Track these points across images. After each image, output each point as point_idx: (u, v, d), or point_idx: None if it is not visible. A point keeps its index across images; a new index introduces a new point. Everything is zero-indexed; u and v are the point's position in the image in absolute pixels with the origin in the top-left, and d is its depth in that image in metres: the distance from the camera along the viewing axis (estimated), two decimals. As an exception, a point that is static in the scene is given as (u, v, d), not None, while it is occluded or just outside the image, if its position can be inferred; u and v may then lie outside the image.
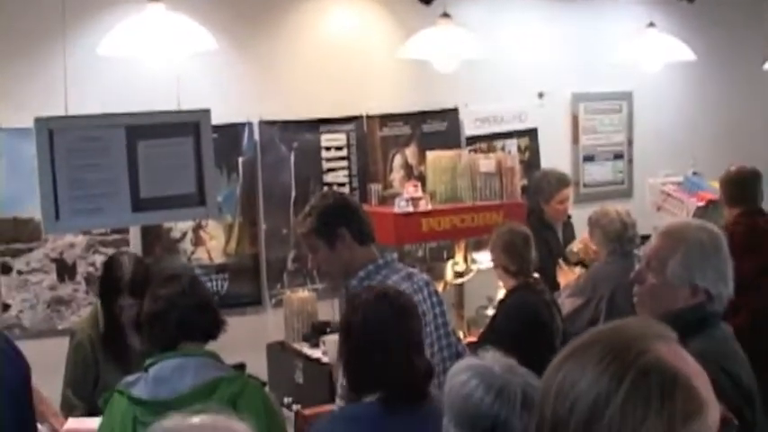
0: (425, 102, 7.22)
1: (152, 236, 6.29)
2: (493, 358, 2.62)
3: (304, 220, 4.01)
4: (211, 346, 3.57)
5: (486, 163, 6.12)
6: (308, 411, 4.64)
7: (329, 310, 6.06)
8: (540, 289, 5.38)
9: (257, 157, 6.62)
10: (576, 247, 6.48)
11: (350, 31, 7.02)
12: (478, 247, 6.05)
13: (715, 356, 3.00)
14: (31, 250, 6.00)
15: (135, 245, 6.22)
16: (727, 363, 3.07)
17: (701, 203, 7.32)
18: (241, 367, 3.57)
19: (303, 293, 6.01)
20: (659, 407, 1.39)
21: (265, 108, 6.61)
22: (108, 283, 4.69)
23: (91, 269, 6.03)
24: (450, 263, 6.28)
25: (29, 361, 3.64)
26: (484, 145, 7.34)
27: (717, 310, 3.17)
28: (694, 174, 7.69)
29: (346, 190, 6.81)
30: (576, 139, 8.05)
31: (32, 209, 5.34)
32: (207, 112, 4.79)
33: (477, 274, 6.16)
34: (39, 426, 3.96)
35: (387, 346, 3.00)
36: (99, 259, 5.87)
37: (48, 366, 4.26)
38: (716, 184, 6.62)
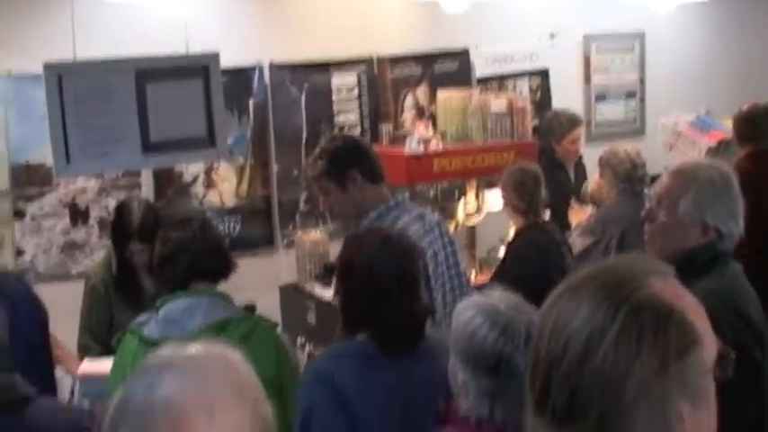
0: (436, 43, 7.17)
1: (164, 179, 6.30)
2: (499, 296, 2.64)
3: (314, 163, 4.03)
4: (224, 288, 3.60)
5: (498, 103, 6.09)
6: (320, 352, 4.68)
7: (341, 251, 6.07)
8: (549, 228, 5.39)
9: (268, 99, 6.61)
10: (590, 187, 6.48)
11: (360, -29, 6.97)
12: (490, 186, 6.04)
13: (725, 295, 3.02)
14: (43, 195, 6.02)
15: (147, 188, 6.24)
16: (738, 301, 3.08)
17: (713, 143, 7.29)
18: (251, 308, 3.58)
19: (315, 234, 6.02)
20: (652, 342, 1.39)
21: (275, 51, 6.58)
22: (118, 229, 4.72)
23: (104, 213, 6.05)
24: (461, 203, 6.29)
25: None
26: (495, 85, 7.30)
27: (727, 248, 3.18)
28: (707, 113, 7.65)
29: (357, 131, 6.80)
30: (587, 79, 7.99)
31: (44, 154, 5.35)
32: (216, 55, 4.79)
33: (489, 214, 6.17)
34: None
35: (387, 289, 3.01)
36: (111, 203, 5.89)
37: (62, 310, 4.30)
38: (729, 124, 6.57)
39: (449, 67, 7.21)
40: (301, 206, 6.71)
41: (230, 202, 6.55)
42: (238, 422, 1.50)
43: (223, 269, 3.57)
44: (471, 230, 6.34)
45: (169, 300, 3.46)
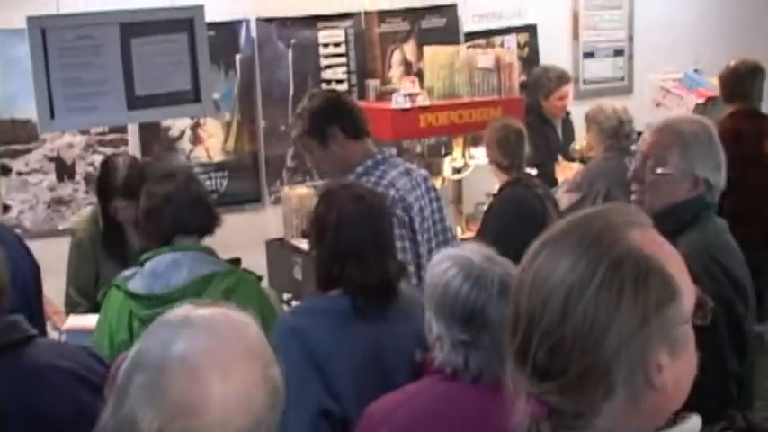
0: (423, -2, 7.15)
1: (150, 135, 6.28)
2: (472, 249, 2.65)
3: (296, 122, 4.06)
4: (211, 244, 3.59)
5: (485, 59, 6.08)
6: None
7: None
8: (532, 183, 5.40)
9: (255, 54, 6.58)
10: (579, 144, 6.49)
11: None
12: (476, 142, 6.04)
13: (708, 248, 3.03)
14: (29, 151, 6.01)
15: (133, 144, 6.22)
16: (720, 255, 3.10)
17: (701, 100, 7.28)
18: (236, 262, 3.59)
19: (302, 190, 6.02)
20: (633, 295, 1.40)
21: (262, 5, 6.54)
22: (103, 185, 4.72)
23: (90, 169, 6.04)
24: (448, 159, 6.30)
25: (31, 262, 3.68)
26: (482, 41, 7.25)
27: (713, 200, 3.21)
28: (695, 71, 7.64)
29: (344, 86, 6.78)
30: (575, 35, 7.97)
31: (29, 110, 5.29)
32: (201, 8, 4.76)
33: (476, 170, 6.17)
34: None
35: (358, 247, 3.01)
36: (98, 159, 5.84)
37: (49, 266, 4.27)
38: (717, 82, 6.55)
39: (436, 23, 7.18)
40: (288, 162, 6.70)
41: (217, 157, 6.54)
42: (250, 381, 1.53)
43: (208, 224, 3.56)
44: (458, 185, 6.35)
45: (154, 254, 3.46)
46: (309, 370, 2.92)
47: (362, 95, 6.51)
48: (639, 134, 5.29)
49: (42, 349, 2.46)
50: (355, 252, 3.01)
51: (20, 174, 6.00)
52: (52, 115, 4.50)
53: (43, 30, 4.44)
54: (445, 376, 2.56)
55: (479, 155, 5.91)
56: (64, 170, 6.11)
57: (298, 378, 2.92)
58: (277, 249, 5.90)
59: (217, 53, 6.00)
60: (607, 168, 5.62)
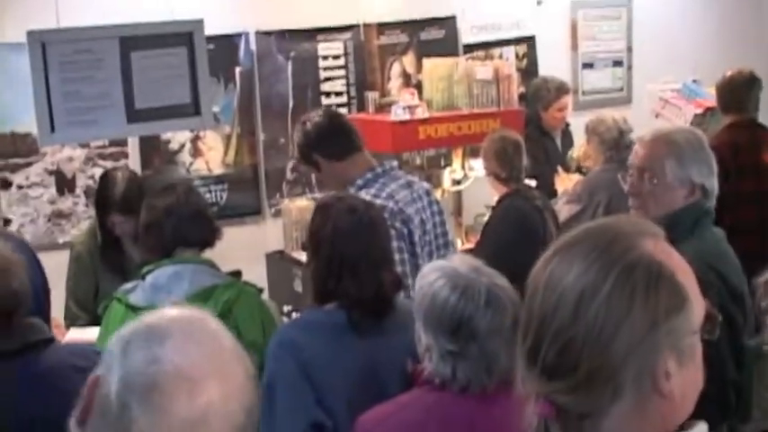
0: (423, 10, 7.16)
1: (150, 148, 6.29)
2: (460, 260, 2.67)
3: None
4: (211, 257, 3.61)
5: (484, 70, 6.09)
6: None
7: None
8: (531, 195, 5.40)
9: (254, 67, 6.60)
10: (575, 153, 6.49)
11: (346, -64, 6.93)
12: (476, 154, 6.05)
13: (707, 257, 3.05)
14: (29, 165, 6.02)
15: (133, 157, 6.23)
16: (718, 263, 3.12)
17: (700, 110, 7.27)
18: (237, 274, 3.59)
19: (302, 202, 6.02)
20: (644, 300, 1.42)
21: (261, 18, 6.56)
22: (101, 200, 4.74)
23: (90, 182, 6.05)
24: (447, 170, 6.30)
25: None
26: (481, 53, 7.29)
27: (710, 207, 3.25)
28: (694, 81, 7.65)
29: (344, 99, 6.81)
30: (574, 46, 7.99)
31: (30, 123, 5.30)
32: (200, 21, 4.77)
33: (475, 181, 6.18)
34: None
35: (355, 259, 3.02)
36: (98, 172, 5.85)
37: (50, 280, 4.29)
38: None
39: (435, 35, 7.20)
40: (288, 174, 6.72)
41: (217, 170, 6.56)
42: (242, 379, 1.51)
43: (209, 236, 3.58)
44: (457, 197, 6.36)
45: (156, 267, 3.47)
46: (303, 383, 2.92)
47: (362, 107, 6.54)
48: (638, 145, 5.32)
49: (62, 351, 2.47)
50: (350, 265, 3.02)
51: (20, 187, 6.01)
52: (52, 129, 4.50)
53: (43, 43, 4.46)
54: (434, 387, 2.57)
55: (479, 166, 5.92)
56: (64, 183, 6.12)
57: (291, 390, 2.93)
58: (277, 262, 5.90)
59: (216, 66, 6.02)
60: (607, 180, 5.60)
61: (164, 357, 1.45)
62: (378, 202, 3.67)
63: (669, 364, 1.43)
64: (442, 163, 6.35)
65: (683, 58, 7.88)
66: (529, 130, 6.33)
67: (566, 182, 6.31)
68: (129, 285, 3.51)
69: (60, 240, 5.99)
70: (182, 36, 4.69)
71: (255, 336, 3.39)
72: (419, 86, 6.37)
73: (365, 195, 3.74)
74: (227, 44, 6.43)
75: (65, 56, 4.51)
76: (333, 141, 4.09)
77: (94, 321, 4.18)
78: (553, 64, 7.56)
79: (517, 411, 2.41)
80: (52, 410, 2.25)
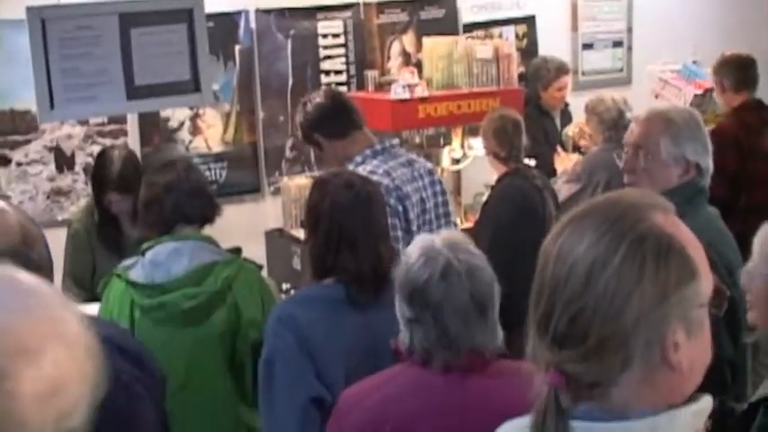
0: (423, -11, 7.15)
1: (150, 125, 6.28)
2: (446, 235, 2.67)
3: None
4: (211, 234, 3.61)
5: (483, 49, 6.09)
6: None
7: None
8: (530, 174, 5.40)
9: (254, 45, 6.58)
10: (571, 131, 6.50)
11: None
12: (475, 133, 6.05)
13: (702, 235, 3.04)
14: (29, 142, 6.01)
15: (133, 135, 6.23)
16: (714, 241, 3.11)
17: (699, 91, 7.28)
18: (237, 251, 3.60)
19: (301, 180, 6.02)
20: (654, 271, 1.44)
21: (261, -4, 6.55)
22: (97, 178, 4.74)
23: (89, 159, 6.02)
24: (446, 149, 6.30)
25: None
26: (481, 32, 7.25)
27: (705, 185, 3.27)
28: (694, 62, 7.64)
29: (343, 77, 6.80)
30: (575, 27, 7.97)
31: (29, 100, 5.30)
32: (200, -2, 4.78)
33: (475, 160, 6.18)
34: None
35: (351, 235, 3.04)
36: (97, 150, 5.82)
37: (48, 256, 4.30)
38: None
39: (435, 14, 7.18)
40: (287, 152, 6.71)
41: (216, 148, 6.55)
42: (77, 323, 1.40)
43: (208, 213, 3.58)
44: (457, 176, 6.36)
45: (156, 243, 3.48)
46: (302, 358, 2.94)
47: (361, 86, 6.53)
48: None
49: None
50: (348, 239, 3.03)
51: (19, 164, 6.00)
52: (52, 105, 4.51)
53: (43, 20, 4.46)
54: (415, 362, 2.57)
55: (478, 145, 5.92)
56: (63, 161, 6.12)
57: (290, 365, 2.95)
58: (276, 239, 5.91)
59: (216, 44, 6.01)
60: (607, 159, 5.59)
61: None
62: (374, 178, 3.68)
63: (678, 335, 1.45)
64: (442, 142, 6.35)
65: (683, 39, 7.86)
66: (528, 109, 6.33)
67: (565, 161, 6.32)
68: (128, 261, 3.51)
69: (59, 218, 5.98)
70: (181, 13, 4.69)
71: (255, 312, 3.41)
72: (419, 65, 6.37)
73: (362, 172, 3.75)
74: (226, 22, 6.42)
75: (64, 32, 4.51)
76: (334, 121, 4.11)
77: (91, 298, 4.19)
78: (553, 44, 7.55)
79: (496, 388, 2.44)
80: None
